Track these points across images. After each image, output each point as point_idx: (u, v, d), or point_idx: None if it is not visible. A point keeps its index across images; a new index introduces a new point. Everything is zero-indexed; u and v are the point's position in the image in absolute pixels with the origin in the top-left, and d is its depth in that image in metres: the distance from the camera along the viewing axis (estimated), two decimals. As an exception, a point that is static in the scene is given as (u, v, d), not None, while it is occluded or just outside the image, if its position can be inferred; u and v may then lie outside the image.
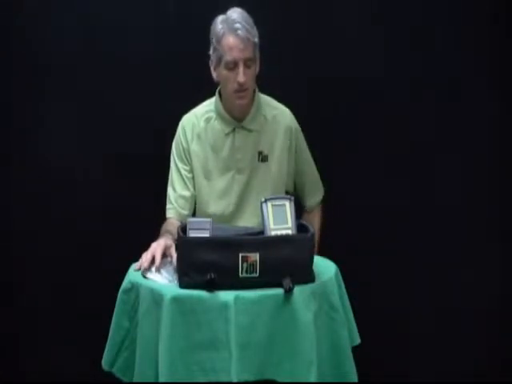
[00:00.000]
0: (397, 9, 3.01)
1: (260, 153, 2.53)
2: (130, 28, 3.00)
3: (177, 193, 2.55)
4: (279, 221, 2.04)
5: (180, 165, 2.56)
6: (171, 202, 2.56)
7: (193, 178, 2.55)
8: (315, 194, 2.71)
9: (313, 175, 2.70)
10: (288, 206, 2.06)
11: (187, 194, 2.55)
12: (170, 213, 2.56)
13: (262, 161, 2.53)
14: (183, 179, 2.55)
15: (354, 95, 3.03)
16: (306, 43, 3.02)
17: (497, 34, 3.02)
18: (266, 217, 2.05)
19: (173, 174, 2.58)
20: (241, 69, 2.36)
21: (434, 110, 3.04)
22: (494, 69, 3.03)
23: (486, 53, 3.02)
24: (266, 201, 2.07)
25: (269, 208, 2.05)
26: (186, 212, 2.54)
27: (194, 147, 2.53)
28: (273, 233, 2.03)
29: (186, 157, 2.55)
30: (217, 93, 2.55)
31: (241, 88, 2.39)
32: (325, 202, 2.80)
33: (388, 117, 3.04)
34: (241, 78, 2.37)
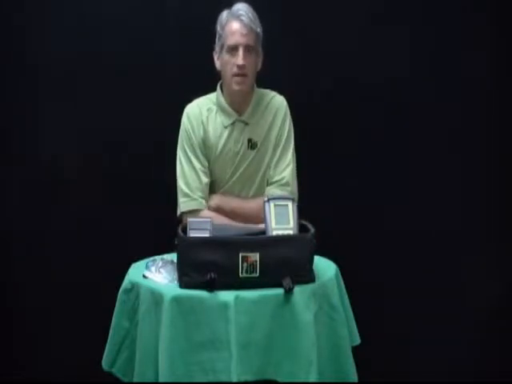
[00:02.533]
0: (398, 9, 3.02)
1: (250, 140, 2.53)
2: (129, 28, 3.00)
3: (193, 183, 2.49)
4: (281, 221, 2.05)
5: (190, 155, 2.51)
6: (187, 195, 2.48)
7: (205, 164, 2.51)
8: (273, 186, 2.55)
9: (277, 164, 2.53)
10: (290, 207, 2.07)
11: (204, 181, 2.50)
12: (189, 205, 2.48)
13: (251, 148, 2.53)
14: (195, 170, 2.50)
15: (355, 96, 3.03)
16: (306, 42, 3.03)
17: (497, 33, 3.03)
18: (268, 216, 2.05)
19: (183, 166, 2.52)
20: (240, 52, 2.41)
21: (434, 111, 3.05)
22: (494, 69, 3.04)
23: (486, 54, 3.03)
24: (268, 200, 2.07)
25: (271, 207, 2.06)
26: (204, 202, 2.49)
27: (202, 133, 2.52)
28: (274, 232, 2.04)
29: (195, 144, 2.52)
30: (218, 86, 2.56)
31: (240, 71, 2.42)
32: (325, 202, 2.81)
33: (388, 117, 3.04)
34: (240, 60, 2.40)
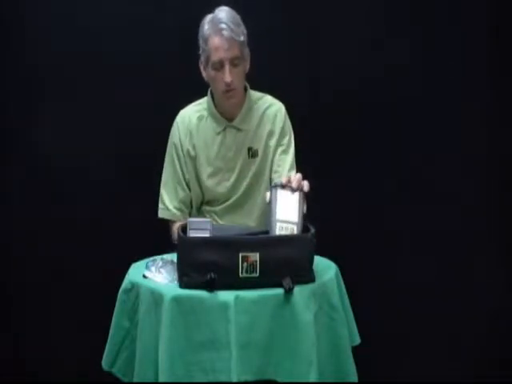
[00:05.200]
0: (398, 9, 3.02)
1: (250, 149, 2.54)
2: (129, 28, 3.00)
3: (171, 194, 2.57)
4: (286, 213, 2.03)
5: (175, 164, 2.57)
6: (164, 203, 2.58)
7: (186, 177, 2.56)
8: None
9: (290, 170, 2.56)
10: (298, 197, 2.04)
11: (181, 194, 2.57)
12: (164, 214, 2.58)
13: (252, 156, 2.54)
14: (178, 179, 2.57)
15: (355, 96, 3.03)
16: (306, 42, 3.03)
17: (498, 33, 3.03)
18: (273, 205, 2.03)
19: (167, 174, 2.59)
20: (227, 68, 2.39)
21: (435, 111, 3.05)
22: (494, 70, 3.04)
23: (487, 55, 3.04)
24: (275, 186, 2.05)
25: (278, 195, 2.04)
26: (178, 213, 2.57)
27: (188, 145, 2.55)
28: (278, 224, 2.03)
29: (180, 155, 2.56)
30: (209, 92, 2.57)
31: (228, 88, 2.42)
32: (325, 202, 2.81)
33: (389, 118, 3.04)
34: (227, 77, 2.39)
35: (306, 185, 2.07)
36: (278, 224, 2.03)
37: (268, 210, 2.06)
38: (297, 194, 2.05)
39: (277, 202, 2.04)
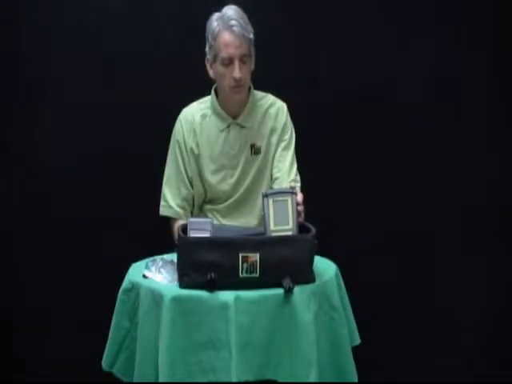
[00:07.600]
0: (398, 8, 3.02)
1: (252, 146, 2.54)
2: (129, 28, 3.00)
3: (174, 192, 2.57)
4: (280, 221, 2.04)
5: (178, 162, 2.57)
6: (166, 200, 2.58)
7: (189, 175, 2.56)
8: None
9: (291, 168, 2.58)
10: (290, 202, 2.04)
11: (184, 192, 2.57)
12: (166, 211, 2.58)
13: (254, 153, 2.54)
14: (181, 177, 2.57)
15: (355, 96, 3.03)
16: (306, 42, 3.03)
17: (498, 34, 3.03)
18: (266, 216, 2.04)
19: (170, 172, 2.59)
20: (236, 65, 2.39)
21: (434, 110, 3.05)
22: (494, 70, 3.04)
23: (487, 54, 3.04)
24: (267, 195, 2.04)
25: (270, 205, 2.04)
26: (181, 211, 2.57)
27: (191, 143, 2.55)
28: (273, 234, 2.03)
29: (183, 153, 2.56)
30: (212, 90, 2.57)
31: (237, 83, 2.42)
32: (325, 202, 2.81)
33: (388, 117, 3.04)
34: (237, 73, 2.40)
35: (299, 194, 2.11)
36: (274, 234, 2.03)
37: (263, 219, 2.07)
38: (289, 198, 2.05)
39: (269, 212, 2.04)
